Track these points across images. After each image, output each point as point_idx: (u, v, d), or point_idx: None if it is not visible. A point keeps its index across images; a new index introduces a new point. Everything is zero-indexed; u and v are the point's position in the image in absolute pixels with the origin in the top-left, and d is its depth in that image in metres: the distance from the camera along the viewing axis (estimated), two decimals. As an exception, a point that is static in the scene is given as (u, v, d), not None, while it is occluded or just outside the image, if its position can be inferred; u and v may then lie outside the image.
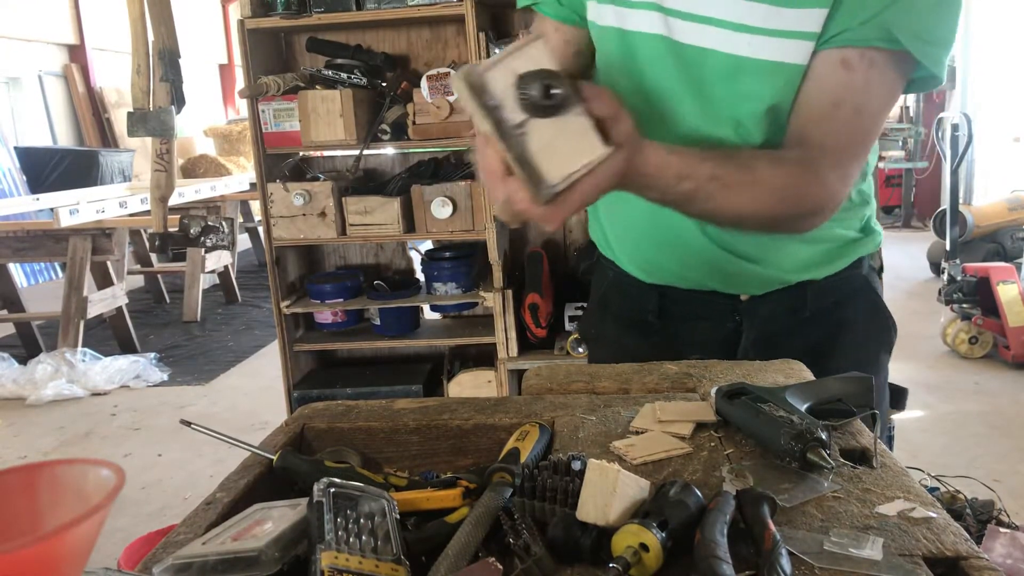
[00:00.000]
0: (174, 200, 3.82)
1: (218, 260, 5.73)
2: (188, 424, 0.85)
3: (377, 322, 2.92)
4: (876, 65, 0.89)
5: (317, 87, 2.63)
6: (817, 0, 0.89)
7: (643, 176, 0.82)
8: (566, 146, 0.75)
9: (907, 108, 7.79)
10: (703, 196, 0.86)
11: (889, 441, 1.18)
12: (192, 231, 3.14)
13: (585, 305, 2.71)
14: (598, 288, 1.28)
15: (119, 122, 8.03)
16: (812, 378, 0.97)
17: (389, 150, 2.94)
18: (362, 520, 0.64)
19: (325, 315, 2.92)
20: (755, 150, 0.94)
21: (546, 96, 0.73)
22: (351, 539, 0.61)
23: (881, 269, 1.18)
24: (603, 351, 1.25)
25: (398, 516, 0.67)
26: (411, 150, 2.95)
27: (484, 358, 2.94)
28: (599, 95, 0.75)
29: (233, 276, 6.08)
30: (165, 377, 4.39)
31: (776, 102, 0.95)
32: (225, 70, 11.55)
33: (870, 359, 1.12)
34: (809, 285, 1.10)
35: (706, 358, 1.07)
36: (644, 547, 0.59)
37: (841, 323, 1.11)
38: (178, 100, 2.73)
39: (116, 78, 8.42)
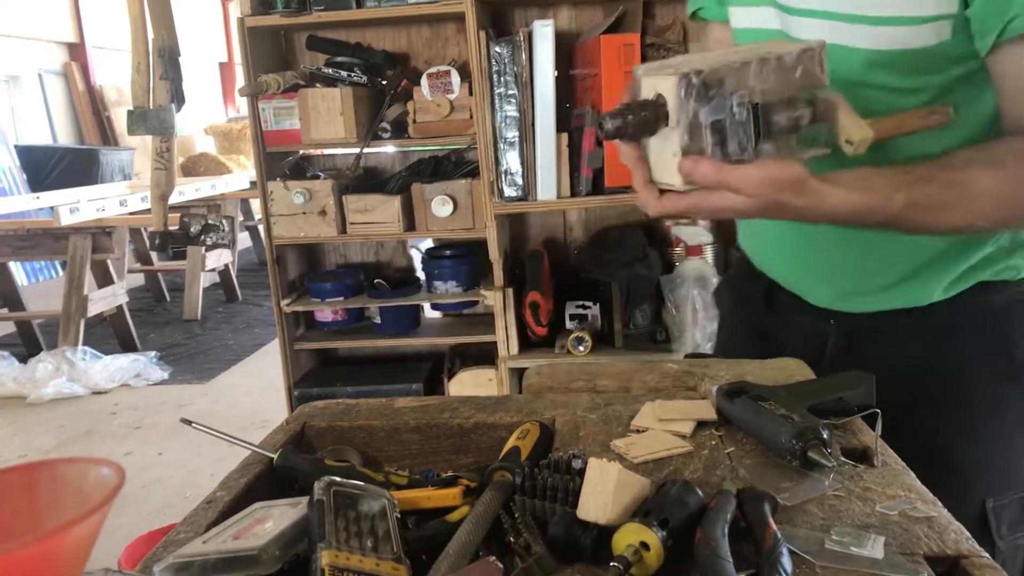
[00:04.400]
0: (174, 198, 3.81)
1: (218, 258, 5.73)
2: (188, 423, 0.85)
3: (377, 320, 2.92)
4: None
5: (317, 85, 2.63)
6: None
7: (809, 213, 0.78)
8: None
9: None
10: (903, 223, 0.81)
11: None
12: (192, 229, 3.13)
13: (587, 304, 2.72)
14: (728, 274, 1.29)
15: (119, 120, 8.02)
16: (813, 377, 0.97)
17: (389, 148, 2.94)
18: (362, 519, 0.64)
19: (325, 313, 2.92)
20: (971, 153, 0.82)
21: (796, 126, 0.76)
22: (351, 538, 0.61)
23: None
24: (726, 331, 1.26)
25: (398, 515, 0.67)
26: (411, 148, 2.94)
27: (485, 356, 2.94)
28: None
29: (233, 274, 6.08)
30: (166, 376, 4.39)
31: (938, 93, 0.87)
32: (225, 68, 11.54)
33: (1004, 403, 0.95)
34: (928, 309, 0.96)
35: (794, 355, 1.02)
36: (645, 546, 0.59)
37: (966, 358, 0.95)
38: (178, 98, 2.73)
39: (116, 76, 8.41)
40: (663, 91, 0.76)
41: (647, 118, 0.76)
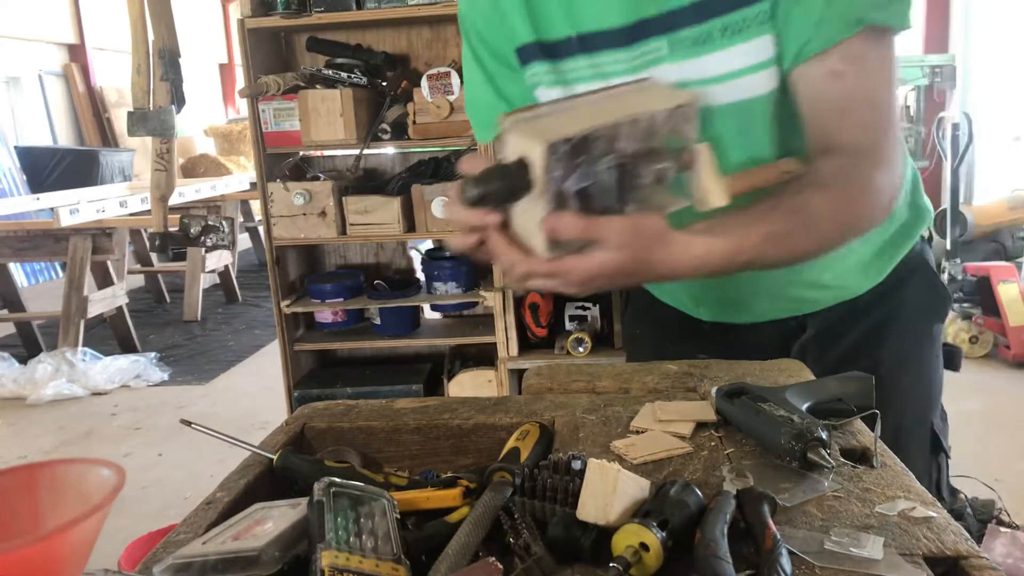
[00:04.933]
0: (174, 200, 3.81)
1: (218, 260, 5.73)
2: (188, 424, 0.85)
3: (377, 321, 2.92)
4: (860, 55, 0.84)
5: (317, 86, 2.63)
6: (760, 28, 0.86)
7: (678, 266, 0.78)
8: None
9: (907, 108, 7.78)
10: (763, 259, 0.83)
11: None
12: (192, 231, 3.13)
13: (587, 305, 2.71)
14: (639, 297, 1.24)
15: (119, 121, 8.02)
16: (812, 377, 0.97)
17: (389, 150, 2.94)
18: (362, 520, 0.64)
19: (325, 315, 2.92)
20: (799, 183, 0.85)
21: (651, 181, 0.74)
22: (351, 539, 0.61)
23: (931, 239, 1.15)
24: (649, 352, 1.20)
25: (398, 516, 0.67)
26: (411, 149, 2.95)
27: (484, 358, 2.94)
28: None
29: (233, 276, 6.08)
30: (165, 377, 4.39)
31: (776, 131, 0.92)
32: (225, 69, 11.54)
33: (924, 333, 1.11)
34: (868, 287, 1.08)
35: (763, 358, 1.05)
36: (644, 547, 0.59)
37: (901, 302, 1.08)
38: (178, 99, 2.73)
39: (116, 77, 8.41)
40: (529, 156, 0.71)
41: (511, 185, 0.72)
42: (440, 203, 2.63)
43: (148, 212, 3.64)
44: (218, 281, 6.10)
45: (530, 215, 0.73)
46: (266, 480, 0.81)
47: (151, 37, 2.64)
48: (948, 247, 4.52)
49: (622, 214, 0.74)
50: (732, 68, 0.89)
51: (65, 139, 8.04)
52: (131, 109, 2.70)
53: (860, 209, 0.86)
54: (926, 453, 1.10)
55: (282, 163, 2.79)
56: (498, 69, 1.02)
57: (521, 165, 0.71)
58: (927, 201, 1.11)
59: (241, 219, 6.80)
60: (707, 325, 1.15)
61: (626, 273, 0.76)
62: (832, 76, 0.85)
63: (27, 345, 4.75)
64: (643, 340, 1.27)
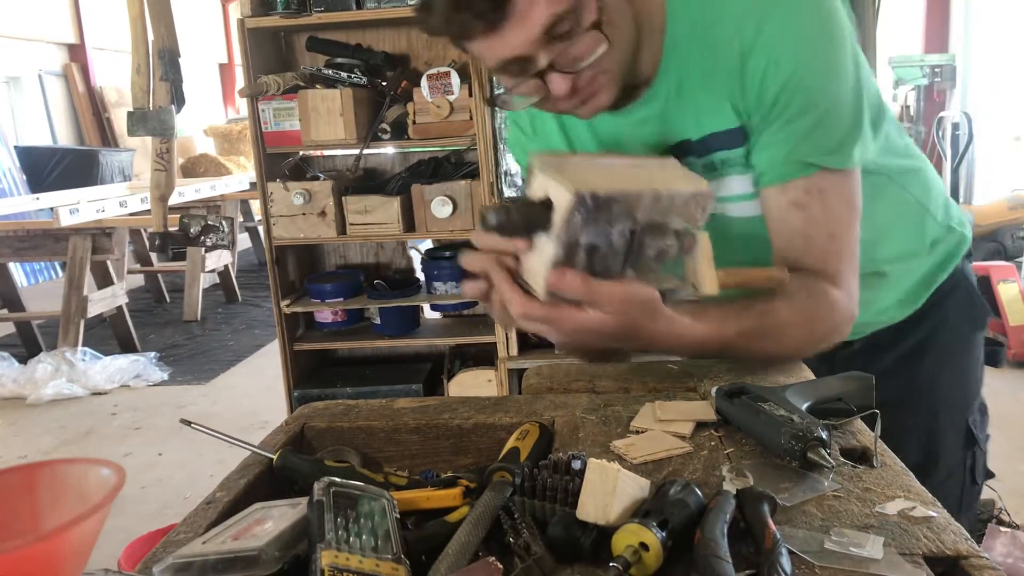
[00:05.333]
0: (174, 199, 3.81)
1: (218, 259, 5.73)
2: (188, 423, 0.85)
3: (377, 321, 2.92)
4: (821, 189, 0.93)
5: (317, 86, 2.63)
6: (739, 167, 0.96)
7: (660, 337, 0.84)
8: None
9: (907, 107, 7.78)
10: (732, 351, 0.91)
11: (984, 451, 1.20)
12: (192, 230, 3.13)
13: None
14: None
15: (119, 121, 8.02)
16: (812, 377, 0.97)
17: (389, 149, 2.94)
18: (362, 519, 0.64)
19: (325, 314, 2.92)
20: (769, 297, 0.93)
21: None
22: (351, 538, 0.61)
23: (970, 254, 1.18)
24: None
25: (398, 515, 0.67)
26: (411, 149, 2.94)
27: (484, 357, 2.94)
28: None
29: (233, 275, 6.08)
30: (165, 376, 4.39)
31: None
32: (225, 69, 11.54)
33: (965, 344, 1.17)
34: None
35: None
36: (644, 546, 0.59)
37: (944, 319, 1.13)
38: (178, 99, 2.73)
39: (116, 77, 8.41)
40: (555, 200, 0.75)
41: (530, 221, 0.76)
42: (440, 203, 2.63)
43: (148, 212, 3.64)
44: (218, 281, 6.10)
45: (539, 254, 0.77)
46: (266, 480, 0.81)
47: (151, 37, 2.64)
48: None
49: (621, 277, 0.79)
50: (733, 192, 0.99)
51: (65, 139, 8.04)
52: (131, 109, 2.70)
53: (820, 325, 0.95)
54: (959, 449, 1.16)
55: (282, 163, 2.79)
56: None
57: (546, 205, 0.75)
58: (964, 217, 1.15)
59: (241, 219, 6.81)
60: None
61: (613, 336, 0.81)
62: (795, 206, 0.94)
63: (27, 345, 4.75)
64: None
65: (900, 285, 1.11)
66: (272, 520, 0.65)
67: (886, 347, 1.13)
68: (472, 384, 2.85)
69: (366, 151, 2.73)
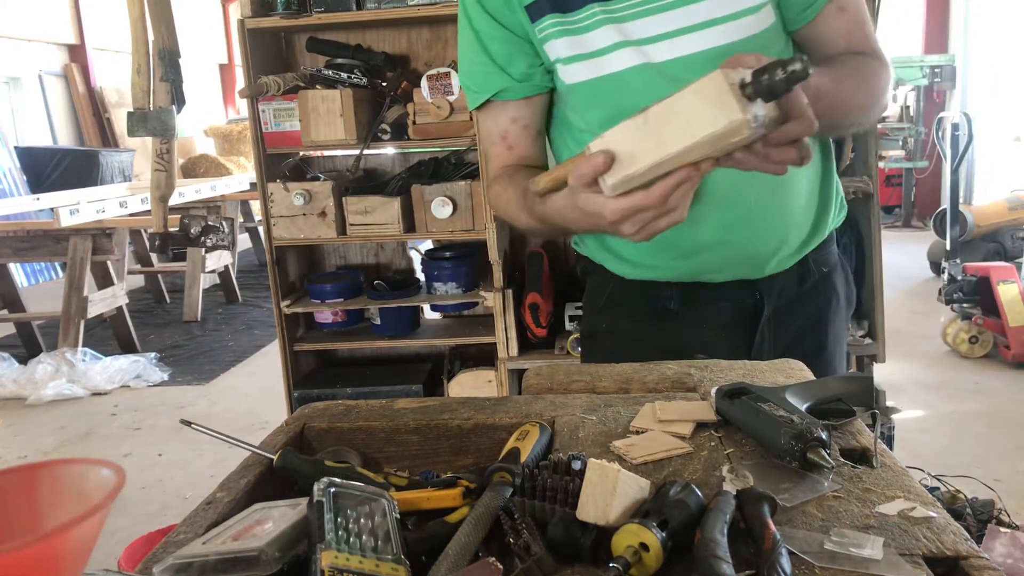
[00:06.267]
0: (174, 200, 3.82)
1: (218, 260, 5.73)
2: (188, 424, 0.85)
3: (377, 322, 2.92)
4: None
5: (317, 87, 2.63)
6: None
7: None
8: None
9: (907, 108, 7.78)
10: (834, 98, 0.97)
11: (889, 442, 1.24)
12: (192, 231, 3.14)
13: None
14: (601, 289, 1.27)
15: (119, 122, 8.03)
16: (812, 378, 0.97)
17: (389, 150, 2.94)
18: (362, 520, 0.64)
19: (325, 315, 2.92)
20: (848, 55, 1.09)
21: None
22: (351, 539, 0.61)
23: (860, 242, 1.32)
24: (612, 345, 1.26)
25: (398, 516, 0.67)
26: (411, 150, 2.94)
27: (484, 358, 2.94)
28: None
29: (233, 276, 6.08)
30: (165, 377, 4.39)
31: None
32: (225, 70, 11.55)
33: (846, 319, 1.34)
34: (809, 258, 1.21)
35: (725, 338, 1.18)
36: (644, 547, 0.59)
37: (833, 290, 1.28)
38: (178, 100, 2.73)
39: (116, 78, 8.42)
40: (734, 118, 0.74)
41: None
42: (440, 203, 2.63)
43: (148, 212, 3.64)
44: (218, 281, 6.11)
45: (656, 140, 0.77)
46: (266, 480, 0.81)
47: (151, 37, 2.64)
48: (948, 247, 4.52)
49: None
50: (728, 11, 1.04)
51: (65, 139, 8.05)
52: (131, 109, 2.70)
53: (883, 82, 1.09)
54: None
55: (282, 163, 2.79)
56: (491, 32, 1.12)
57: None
58: (838, 188, 1.28)
59: (241, 219, 6.81)
60: (674, 304, 1.19)
61: None
62: (839, 10, 1.09)
63: (27, 345, 4.75)
64: (605, 335, 1.29)
65: (798, 192, 1.18)
66: (272, 520, 0.65)
67: (793, 312, 1.25)
68: (472, 384, 2.85)
69: (366, 152, 2.73)
